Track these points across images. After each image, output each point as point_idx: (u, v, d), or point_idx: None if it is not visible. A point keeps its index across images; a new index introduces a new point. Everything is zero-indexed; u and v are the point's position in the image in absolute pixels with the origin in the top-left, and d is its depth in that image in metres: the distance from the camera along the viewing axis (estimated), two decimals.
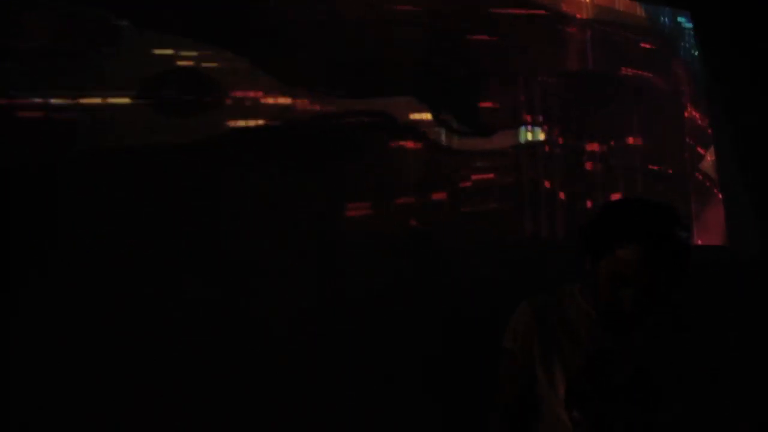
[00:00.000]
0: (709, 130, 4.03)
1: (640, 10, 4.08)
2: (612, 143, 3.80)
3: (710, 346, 1.51)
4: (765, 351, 2.97)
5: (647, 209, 1.37)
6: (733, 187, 3.72)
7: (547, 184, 3.56)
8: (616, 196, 3.67)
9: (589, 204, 3.68)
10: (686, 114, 4.17)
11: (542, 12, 3.66)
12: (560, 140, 3.63)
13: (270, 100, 2.92)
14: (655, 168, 3.95)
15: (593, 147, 3.74)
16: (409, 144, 3.20)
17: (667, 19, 4.21)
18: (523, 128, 3.54)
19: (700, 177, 4.12)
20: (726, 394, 1.50)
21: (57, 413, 2.20)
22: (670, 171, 4.03)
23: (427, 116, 3.24)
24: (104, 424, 2.24)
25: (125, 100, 2.63)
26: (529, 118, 3.55)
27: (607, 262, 1.34)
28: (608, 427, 1.42)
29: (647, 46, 4.07)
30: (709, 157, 4.05)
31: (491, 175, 3.41)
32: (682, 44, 4.21)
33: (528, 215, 3.49)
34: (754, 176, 3.59)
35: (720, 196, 3.97)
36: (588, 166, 3.73)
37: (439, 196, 3.25)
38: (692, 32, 4.10)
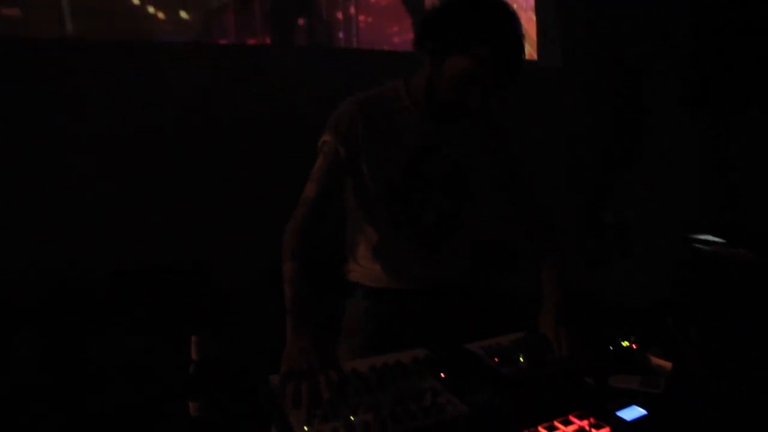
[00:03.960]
0: None
1: None
2: None
3: (514, 143, 1.69)
4: (560, 147, 3.45)
5: (498, 8, 1.36)
6: (545, 6, 3.95)
7: None
8: None
9: None
10: None
11: None
12: None
13: None
14: None
15: None
16: None
17: None
18: None
19: None
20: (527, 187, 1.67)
21: None
22: None
23: None
24: None
25: None
26: None
27: (458, 59, 1.34)
28: (422, 218, 1.53)
29: None
30: None
31: None
32: None
33: None
34: None
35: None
36: None
37: None
38: None
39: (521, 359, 1.36)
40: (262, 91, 2.83)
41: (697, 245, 3.14)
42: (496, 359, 1.36)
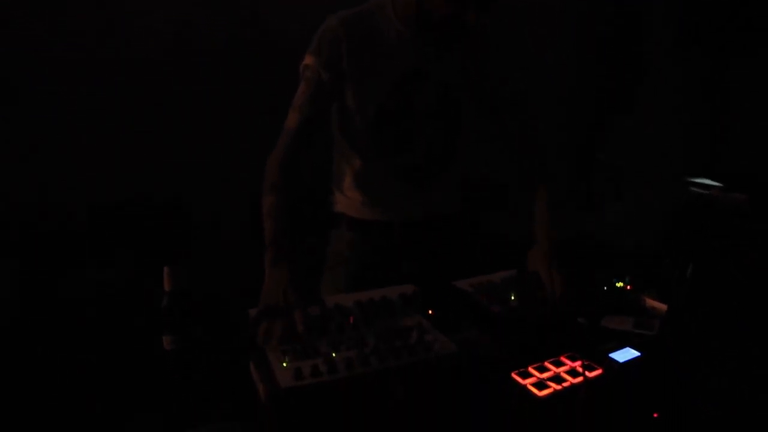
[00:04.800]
0: None
1: None
2: None
3: (512, 70, 1.56)
4: (557, 84, 3.33)
5: None
6: None
7: None
8: None
9: None
10: None
11: None
12: None
13: None
14: None
15: None
16: None
17: None
18: None
19: None
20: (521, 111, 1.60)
21: None
22: None
23: None
24: None
25: None
26: None
27: None
28: (410, 144, 1.45)
29: None
30: None
31: None
32: None
33: None
34: None
35: None
36: None
37: None
38: None
39: (512, 298, 1.32)
40: (238, 17, 2.65)
41: (693, 188, 3.09)
42: (485, 297, 1.31)
